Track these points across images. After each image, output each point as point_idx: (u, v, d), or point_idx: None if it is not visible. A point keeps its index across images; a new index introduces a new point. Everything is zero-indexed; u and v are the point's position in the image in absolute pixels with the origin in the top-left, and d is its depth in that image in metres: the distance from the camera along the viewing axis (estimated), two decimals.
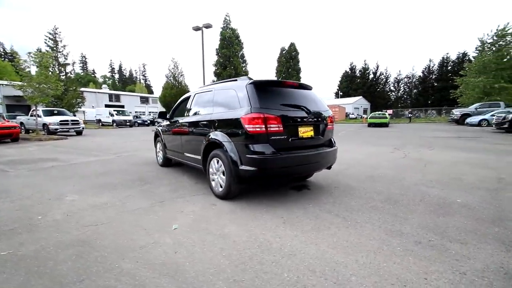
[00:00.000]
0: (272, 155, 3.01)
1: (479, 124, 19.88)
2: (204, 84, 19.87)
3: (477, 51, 34.42)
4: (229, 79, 4.02)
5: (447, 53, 59.35)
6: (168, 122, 5.43)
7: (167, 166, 5.78)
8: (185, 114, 4.60)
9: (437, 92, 54.61)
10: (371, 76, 66.62)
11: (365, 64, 66.87)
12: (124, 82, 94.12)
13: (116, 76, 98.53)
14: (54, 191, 4.03)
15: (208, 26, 18.31)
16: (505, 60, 30.53)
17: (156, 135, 6.12)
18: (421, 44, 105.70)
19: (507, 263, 1.94)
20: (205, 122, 3.84)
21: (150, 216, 2.97)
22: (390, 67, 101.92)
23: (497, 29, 30.50)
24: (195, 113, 4.37)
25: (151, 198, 3.63)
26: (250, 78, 3.48)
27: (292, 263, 1.99)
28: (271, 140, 3.06)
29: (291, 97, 3.38)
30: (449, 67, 53.83)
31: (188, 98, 4.85)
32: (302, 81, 40.27)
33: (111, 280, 1.80)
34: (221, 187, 3.49)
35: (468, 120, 21.15)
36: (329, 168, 3.84)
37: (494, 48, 31.81)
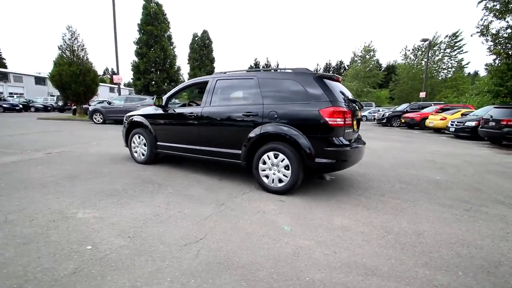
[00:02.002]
0: (348, 147, 3.19)
1: None
2: (117, 62, 16.76)
3: (351, 61, 44.09)
4: (272, 68, 3.82)
5: (329, 60, 72.47)
6: (160, 111, 4.54)
7: (151, 163, 4.84)
8: (206, 102, 4.01)
9: None
10: None
11: (268, 61, 72.71)
12: None
13: None
14: (43, 207, 2.76)
15: None
16: (367, 69, 40.12)
17: (133, 127, 4.99)
18: (310, 49, 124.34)
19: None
20: (253, 114, 3.53)
21: (240, 222, 2.61)
22: (288, 66, 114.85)
23: (364, 45, 39.56)
24: (225, 103, 3.92)
25: (200, 201, 3.11)
26: (309, 70, 3.49)
27: (424, 238, 2.33)
28: (345, 133, 3.23)
29: (342, 90, 3.59)
30: (331, 71, 66.04)
31: (202, 83, 4.24)
32: (216, 71, 40.15)
33: None
34: (280, 182, 3.38)
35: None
36: None
37: (362, 60, 41.34)
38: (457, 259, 2.04)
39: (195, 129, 4.12)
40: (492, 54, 17.55)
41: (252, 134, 3.50)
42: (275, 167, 3.41)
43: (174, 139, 4.44)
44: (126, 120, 5.15)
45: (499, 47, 17.26)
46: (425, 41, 24.53)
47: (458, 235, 2.45)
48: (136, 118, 4.92)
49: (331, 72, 66.39)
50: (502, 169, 5.39)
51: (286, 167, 3.33)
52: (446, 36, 33.59)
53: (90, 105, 17.94)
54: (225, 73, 4.15)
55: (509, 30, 16.65)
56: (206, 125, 3.99)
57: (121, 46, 43.78)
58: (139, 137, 4.89)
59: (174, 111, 4.42)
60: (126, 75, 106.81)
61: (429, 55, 31.73)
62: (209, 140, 4.01)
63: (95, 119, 14.11)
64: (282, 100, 3.41)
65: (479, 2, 16.71)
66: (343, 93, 3.47)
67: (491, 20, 16.44)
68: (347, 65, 60.47)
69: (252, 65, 73.10)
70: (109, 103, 14.46)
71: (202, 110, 4.01)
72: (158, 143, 4.62)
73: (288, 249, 2.12)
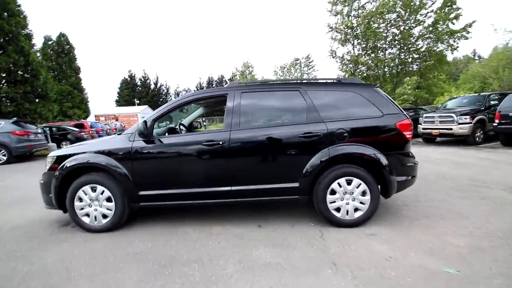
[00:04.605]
0: (416, 161, 3.05)
1: None
2: None
3: (232, 75, 47.68)
4: (313, 79, 3.21)
5: (211, 74, 74.79)
6: (141, 143, 2.91)
7: (119, 226, 3.04)
8: (233, 125, 2.87)
9: None
10: (152, 86, 67.82)
11: (145, 74, 66.82)
12: None
13: None
14: None
15: None
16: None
17: (77, 174, 2.96)
18: (191, 63, 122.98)
19: None
20: (315, 134, 2.80)
21: (390, 279, 1.91)
22: (169, 80, 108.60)
23: (244, 62, 43.55)
24: (263, 123, 2.94)
25: (293, 266, 2.13)
26: (358, 80, 3.15)
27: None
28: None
29: None
30: (214, 85, 68.31)
31: (213, 98, 3.03)
32: (84, 85, 32.80)
33: None
34: (355, 211, 2.84)
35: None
36: None
37: (242, 75, 45.23)
38: None
39: (219, 164, 2.88)
40: (342, 72, 22.94)
41: (317, 160, 2.77)
42: (348, 195, 2.83)
43: (175, 182, 2.94)
44: (55, 164, 3.00)
45: (345, 67, 22.79)
46: (298, 60, 29.55)
47: None
48: (85, 159, 2.93)
49: (214, 85, 68.57)
50: None
51: (363, 193, 2.82)
52: (303, 57, 41.92)
53: None
54: (244, 84, 3.14)
55: (350, 54, 22.12)
56: (239, 156, 2.87)
57: None
58: (93, 190, 2.94)
59: (177, 141, 2.93)
60: None
61: (292, 72, 38.59)
62: (244, 176, 2.89)
63: None
64: (346, 115, 2.88)
65: (327, 33, 21.45)
66: None
67: (337, 47, 21.36)
68: (228, 79, 64.61)
69: (127, 77, 64.89)
70: None
71: (231, 135, 2.83)
72: (142, 192, 2.93)
73: None
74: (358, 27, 19.91)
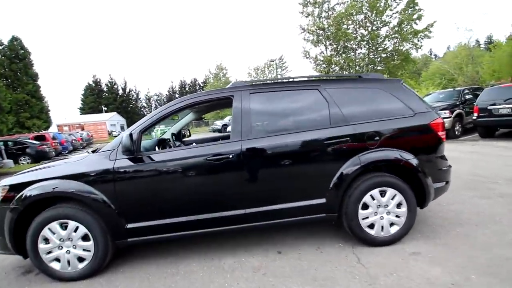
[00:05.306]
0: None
1: None
2: None
3: (206, 78, 47.02)
4: (333, 76, 2.78)
5: (184, 77, 72.73)
6: (126, 162, 2.27)
7: (101, 270, 2.37)
8: (242, 132, 2.34)
9: None
10: (121, 91, 64.24)
11: (112, 79, 63.08)
12: None
13: None
14: None
15: None
16: (221, 86, 43.89)
17: (40, 208, 2.25)
18: (162, 66, 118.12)
19: None
20: (340, 139, 2.36)
21: None
22: (138, 85, 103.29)
23: (217, 64, 43.11)
24: (277, 128, 2.45)
25: None
26: (381, 75, 2.78)
27: None
28: None
29: None
30: (187, 88, 66.34)
31: (211, 101, 2.50)
32: (43, 92, 30.19)
33: None
34: (390, 226, 2.45)
35: (228, 128, 28.04)
36: None
37: (215, 77, 44.68)
38: None
39: (229, 182, 2.34)
40: (317, 72, 22.99)
41: (347, 169, 2.33)
42: (381, 208, 2.43)
43: (174, 210, 2.34)
44: (9, 193, 2.26)
45: (319, 67, 22.96)
46: (272, 61, 29.46)
47: None
48: (50, 186, 2.22)
49: (187, 89, 66.62)
50: None
51: (398, 205, 2.44)
52: (276, 58, 42.18)
53: None
54: (252, 84, 2.61)
55: (323, 55, 22.26)
56: (254, 170, 2.35)
57: None
58: (63, 227, 2.25)
59: (172, 157, 2.32)
60: None
61: (266, 73, 38.67)
62: (261, 195, 2.37)
63: None
64: (374, 116, 2.48)
65: (299, 34, 21.43)
66: None
67: (310, 47, 21.43)
68: (202, 82, 63.16)
69: (91, 83, 60.75)
70: None
71: (243, 146, 2.30)
72: (130, 225, 2.28)
73: None
74: (329, 28, 20.17)
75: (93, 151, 2.50)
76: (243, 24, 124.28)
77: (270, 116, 2.53)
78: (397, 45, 19.35)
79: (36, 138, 14.19)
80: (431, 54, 56.68)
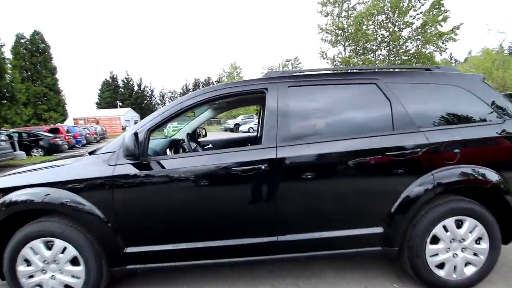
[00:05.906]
0: None
1: (248, 130, 26.60)
2: None
3: (219, 77, 47.07)
4: (396, 67, 2.22)
5: (198, 75, 73.22)
6: (131, 169, 1.78)
7: None
8: (278, 136, 1.81)
9: None
10: (136, 87, 65.26)
11: (128, 75, 64.21)
12: None
13: None
14: None
15: None
16: None
17: (22, 220, 1.81)
18: (177, 64, 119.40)
19: None
20: (407, 151, 1.79)
21: None
22: (153, 82, 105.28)
23: (231, 63, 43.11)
24: (322, 131, 1.91)
25: None
26: (455, 69, 2.19)
27: None
28: None
29: None
30: (201, 86, 66.60)
31: (237, 95, 1.98)
32: (61, 86, 30.75)
33: None
34: (466, 265, 1.87)
35: (241, 128, 27.62)
36: None
37: (229, 76, 44.53)
38: None
39: (259, 200, 1.81)
40: None
41: (415, 190, 1.76)
42: (455, 243, 1.83)
43: (187, 232, 1.84)
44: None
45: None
46: (288, 61, 28.87)
47: None
48: (32, 196, 1.77)
49: (200, 87, 66.86)
50: None
51: (478, 240, 1.84)
52: (292, 58, 41.51)
53: None
54: (291, 75, 2.07)
55: (341, 56, 21.62)
56: (292, 186, 1.81)
57: None
58: (48, 247, 1.78)
59: (187, 164, 1.82)
60: None
61: None
62: (299, 219, 1.84)
63: None
64: (450, 120, 1.89)
65: (317, 34, 20.91)
66: None
67: (328, 48, 20.88)
68: (215, 81, 63.20)
69: (108, 78, 62.01)
70: None
71: (278, 154, 1.76)
72: (130, 249, 1.80)
73: None
74: (348, 28, 19.52)
75: (91, 152, 2.03)
76: (258, 23, 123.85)
77: (314, 117, 1.98)
78: (419, 47, 18.47)
79: (50, 130, 14.19)
80: (451, 58, 54.42)
